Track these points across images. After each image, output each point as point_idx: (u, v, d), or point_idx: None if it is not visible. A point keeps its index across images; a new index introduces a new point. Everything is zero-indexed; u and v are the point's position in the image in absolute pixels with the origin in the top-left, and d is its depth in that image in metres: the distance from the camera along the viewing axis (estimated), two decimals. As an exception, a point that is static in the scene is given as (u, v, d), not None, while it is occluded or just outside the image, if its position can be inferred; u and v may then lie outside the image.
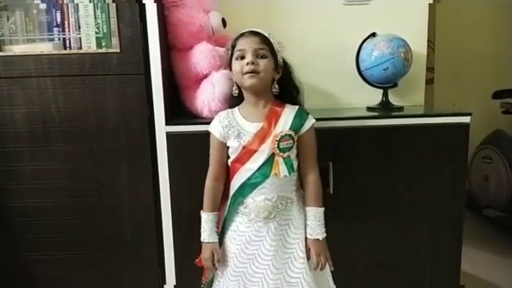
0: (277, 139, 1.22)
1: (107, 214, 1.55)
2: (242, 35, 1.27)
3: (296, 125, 1.25)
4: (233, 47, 1.27)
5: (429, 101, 2.05)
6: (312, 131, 1.29)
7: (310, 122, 1.28)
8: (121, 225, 1.56)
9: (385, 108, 1.72)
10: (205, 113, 1.54)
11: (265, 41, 1.25)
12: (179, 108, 1.62)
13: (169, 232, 1.55)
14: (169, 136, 1.50)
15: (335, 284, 1.37)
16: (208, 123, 1.33)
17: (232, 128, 1.26)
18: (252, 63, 1.21)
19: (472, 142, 1.61)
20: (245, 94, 1.30)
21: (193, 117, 1.58)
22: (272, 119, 1.25)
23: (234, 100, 1.34)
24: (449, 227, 1.58)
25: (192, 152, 1.49)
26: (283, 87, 1.29)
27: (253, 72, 1.21)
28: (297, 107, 1.29)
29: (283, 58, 1.30)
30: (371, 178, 1.54)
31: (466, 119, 1.54)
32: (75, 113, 1.50)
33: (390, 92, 1.74)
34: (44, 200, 1.54)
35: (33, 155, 1.52)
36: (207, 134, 1.32)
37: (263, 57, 1.23)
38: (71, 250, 1.57)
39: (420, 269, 1.61)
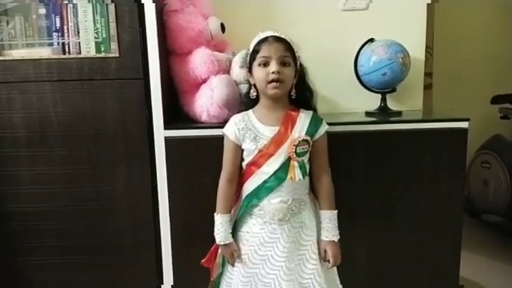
0: (296, 144, 1.23)
1: (105, 219, 1.55)
2: (266, 39, 1.24)
3: (312, 130, 1.27)
4: (256, 51, 1.25)
5: (427, 106, 2.05)
6: (325, 136, 1.31)
7: (324, 127, 1.30)
8: (119, 229, 1.56)
9: (383, 113, 1.72)
10: (204, 117, 1.54)
11: (289, 48, 1.24)
12: (178, 113, 1.62)
13: (167, 235, 1.54)
14: (168, 141, 1.50)
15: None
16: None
17: (248, 131, 1.26)
18: (278, 72, 1.21)
19: (470, 147, 1.61)
20: (262, 98, 1.30)
21: (192, 122, 1.58)
22: (288, 123, 1.26)
23: (249, 102, 1.32)
24: (448, 231, 1.58)
25: (190, 157, 1.49)
26: (297, 89, 1.29)
27: (278, 81, 1.21)
28: (311, 112, 1.30)
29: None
30: (369, 183, 1.54)
31: (464, 124, 1.54)
32: (73, 117, 1.50)
33: (388, 97, 1.74)
34: (42, 204, 1.53)
35: (31, 159, 1.51)
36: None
37: (287, 64, 1.23)
38: (68, 255, 1.56)
39: (419, 273, 1.60)
